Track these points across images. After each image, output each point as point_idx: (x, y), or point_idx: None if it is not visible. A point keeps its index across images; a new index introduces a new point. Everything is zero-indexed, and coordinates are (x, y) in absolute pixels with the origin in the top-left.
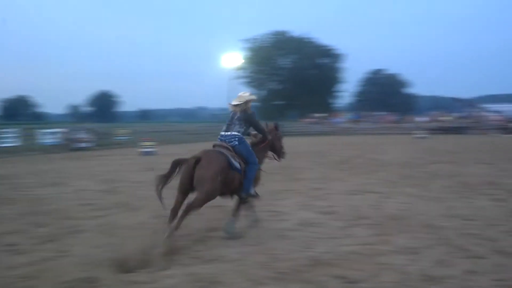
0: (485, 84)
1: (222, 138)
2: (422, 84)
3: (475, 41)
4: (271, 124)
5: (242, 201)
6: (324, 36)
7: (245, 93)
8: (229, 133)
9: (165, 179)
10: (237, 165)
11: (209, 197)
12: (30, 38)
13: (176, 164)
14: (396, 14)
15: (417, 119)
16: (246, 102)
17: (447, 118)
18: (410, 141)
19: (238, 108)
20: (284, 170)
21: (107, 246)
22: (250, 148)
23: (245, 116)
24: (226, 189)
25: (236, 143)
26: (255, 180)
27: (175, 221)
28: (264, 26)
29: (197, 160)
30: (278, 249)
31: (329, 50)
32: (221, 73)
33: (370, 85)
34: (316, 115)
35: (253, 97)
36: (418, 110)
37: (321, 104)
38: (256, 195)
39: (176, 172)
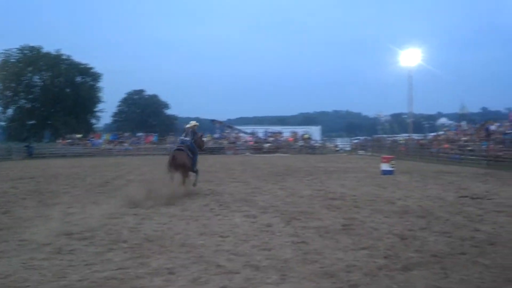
0: (237, 108)
1: (183, 141)
2: (182, 105)
3: (227, 67)
4: (199, 134)
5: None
6: (79, 55)
7: (193, 122)
8: (186, 138)
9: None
10: (190, 155)
11: (187, 171)
12: None
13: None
14: (146, 37)
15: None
16: (194, 126)
17: (205, 139)
18: None
19: (190, 128)
20: (35, 195)
21: None
22: (195, 146)
23: (193, 132)
24: None
25: (189, 143)
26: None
27: (177, 183)
28: (13, 41)
29: (174, 156)
30: (28, 280)
31: (86, 68)
32: None
33: (130, 106)
34: (73, 136)
35: (197, 124)
36: (178, 131)
37: (78, 124)
38: (197, 170)
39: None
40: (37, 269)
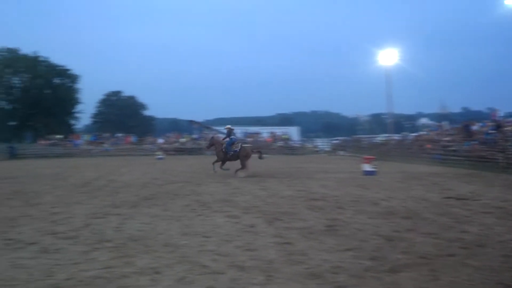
0: (214, 108)
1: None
2: (159, 107)
3: (203, 69)
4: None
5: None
6: (56, 57)
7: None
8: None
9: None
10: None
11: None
12: None
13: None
14: (132, 38)
15: (159, 140)
16: (230, 129)
17: (184, 140)
18: (150, 162)
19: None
20: (19, 195)
21: None
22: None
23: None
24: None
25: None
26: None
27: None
28: None
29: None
30: (16, 279)
31: (63, 70)
32: None
33: (108, 107)
34: (54, 136)
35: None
36: (156, 132)
37: (58, 125)
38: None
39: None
40: (25, 268)
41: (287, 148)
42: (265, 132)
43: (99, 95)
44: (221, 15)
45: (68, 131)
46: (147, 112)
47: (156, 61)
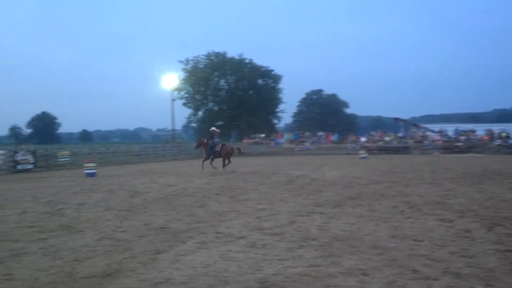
0: (421, 105)
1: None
2: (362, 104)
3: (409, 63)
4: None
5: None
6: (260, 58)
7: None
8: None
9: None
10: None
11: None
12: None
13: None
14: (334, 35)
15: (362, 139)
16: (214, 131)
17: (389, 138)
18: (352, 161)
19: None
20: (227, 191)
21: (51, 269)
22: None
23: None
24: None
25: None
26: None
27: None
28: (202, 48)
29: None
30: (227, 271)
31: (267, 71)
32: (161, 94)
33: (310, 105)
34: (257, 135)
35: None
36: (359, 130)
37: (261, 124)
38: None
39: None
40: (234, 260)
41: (507, 147)
42: (480, 129)
43: (301, 94)
44: (427, 7)
45: (271, 130)
46: (348, 110)
47: (357, 57)
